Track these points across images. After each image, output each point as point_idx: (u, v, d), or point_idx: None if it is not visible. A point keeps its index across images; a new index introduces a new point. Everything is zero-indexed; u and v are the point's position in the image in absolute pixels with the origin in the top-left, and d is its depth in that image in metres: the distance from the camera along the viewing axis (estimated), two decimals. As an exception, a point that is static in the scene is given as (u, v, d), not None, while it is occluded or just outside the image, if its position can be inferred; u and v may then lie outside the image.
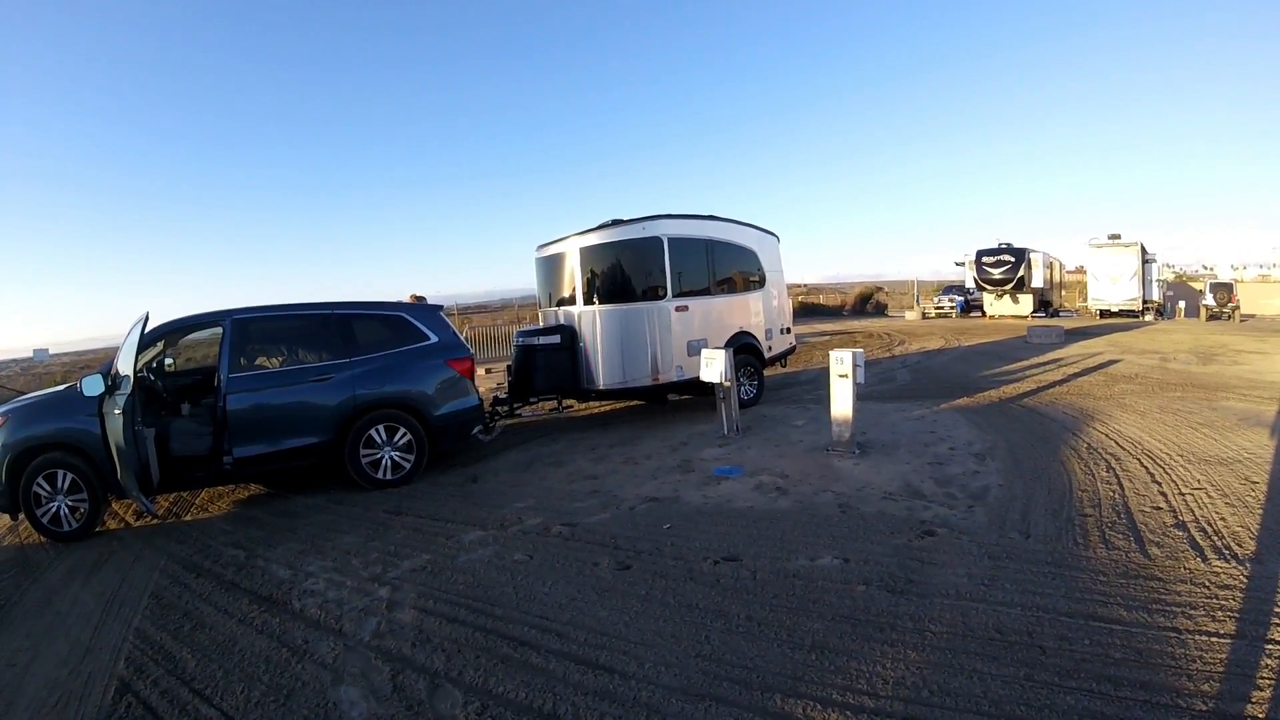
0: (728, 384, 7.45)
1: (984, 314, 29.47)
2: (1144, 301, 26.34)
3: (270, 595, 4.37)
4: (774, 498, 5.51)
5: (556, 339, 8.36)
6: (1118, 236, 27.13)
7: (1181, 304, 29.21)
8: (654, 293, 8.33)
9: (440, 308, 7.53)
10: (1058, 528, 4.62)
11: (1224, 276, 33.25)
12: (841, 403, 6.60)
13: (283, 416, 6.34)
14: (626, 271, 8.42)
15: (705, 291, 8.95)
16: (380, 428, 6.58)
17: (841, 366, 6.52)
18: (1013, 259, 27.15)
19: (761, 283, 10.05)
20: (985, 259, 27.88)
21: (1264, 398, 8.67)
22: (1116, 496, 5.19)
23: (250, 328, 6.53)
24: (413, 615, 3.94)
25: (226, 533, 5.67)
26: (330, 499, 6.38)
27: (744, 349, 9.31)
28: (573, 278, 8.54)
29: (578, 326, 8.41)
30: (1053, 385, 10.16)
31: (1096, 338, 17.19)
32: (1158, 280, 28.44)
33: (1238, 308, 26.29)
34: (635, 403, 10.00)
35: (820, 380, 12.08)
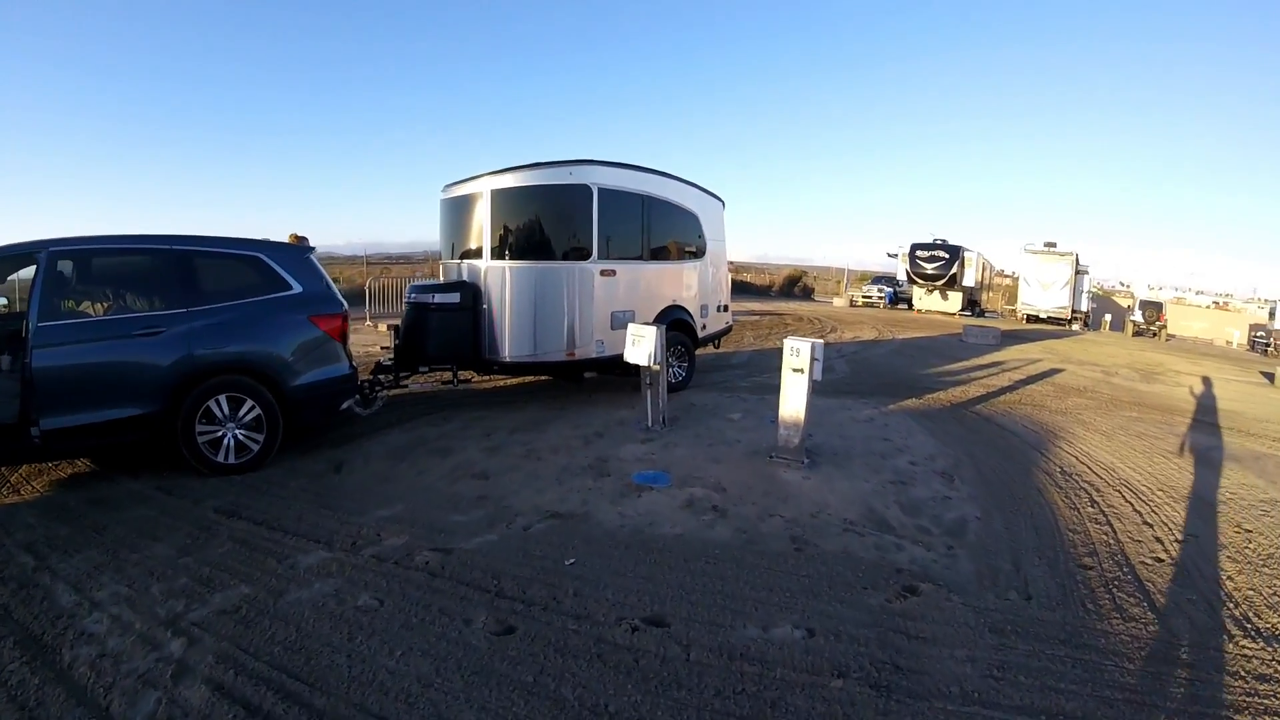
0: (657, 368, 6.26)
1: (911, 307, 29.51)
2: (1073, 311, 26.73)
3: (40, 635, 3.04)
4: (710, 521, 4.38)
5: (455, 298, 6.91)
6: (1054, 245, 27.38)
7: (1108, 317, 29.81)
8: (577, 252, 7.00)
9: (310, 249, 5.97)
10: (1060, 585, 3.72)
11: (1140, 294, 34.41)
12: (793, 402, 5.53)
13: (101, 379, 4.82)
14: (546, 223, 7.03)
15: (637, 256, 7.68)
16: (222, 398, 5.10)
17: (797, 359, 5.44)
18: (947, 255, 27.09)
19: (700, 252, 8.86)
20: (919, 253, 27.68)
21: (1222, 426, 8.26)
22: (1111, 542, 4.36)
23: (70, 263, 5.00)
24: (203, 694, 2.61)
25: (28, 526, 4.20)
26: (161, 485, 4.88)
27: (676, 325, 8.13)
28: (481, 226, 7.08)
29: (483, 285, 6.97)
30: (1003, 392, 9.54)
31: (1031, 343, 17.11)
32: (1088, 292, 28.82)
33: (1165, 327, 27.16)
34: (545, 379, 8.70)
35: (755, 364, 11.14)
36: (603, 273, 7.15)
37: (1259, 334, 26.49)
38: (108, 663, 2.81)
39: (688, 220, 8.61)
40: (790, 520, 4.43)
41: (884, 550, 4.06)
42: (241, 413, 5.17)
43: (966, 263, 27.42)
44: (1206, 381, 12.63)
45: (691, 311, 8.50)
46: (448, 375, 7.12)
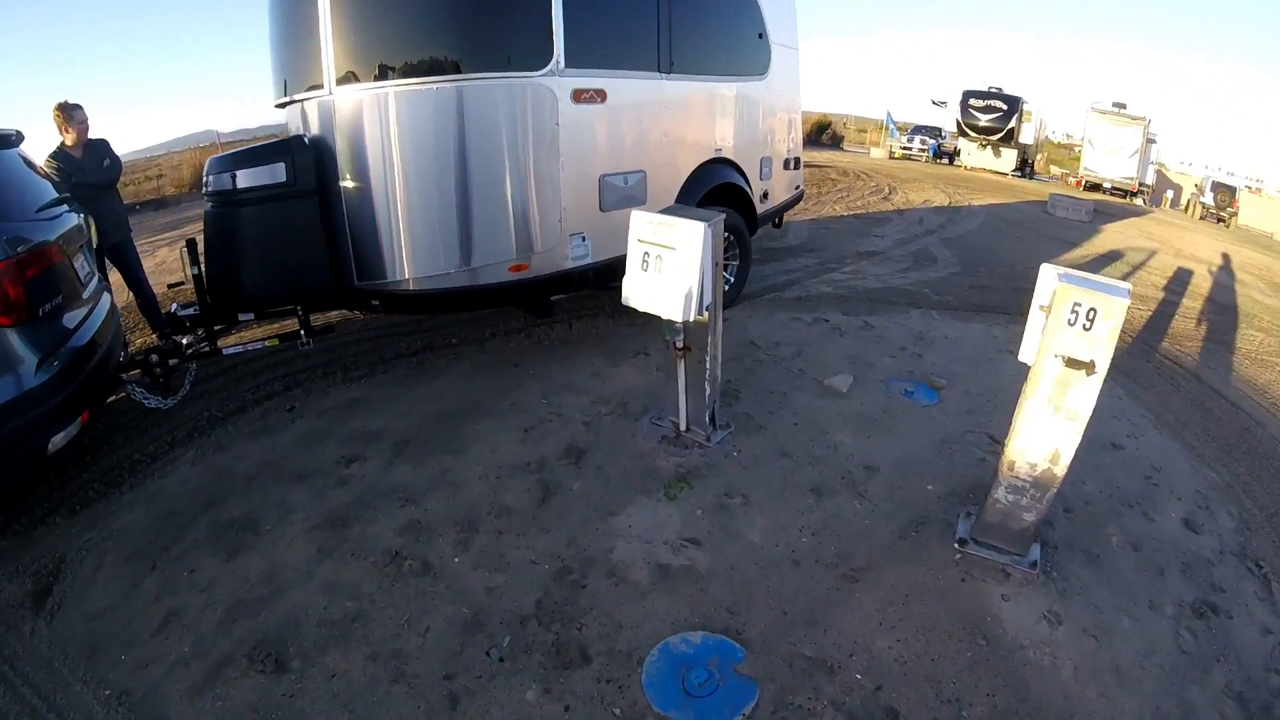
0: (703, 318, 2.83)
1: (952, 161, 25.56)
2: (1139, 184, 23.07)
3: None
4: None
5: (278, 172, 3.38)
6: (1124, 106, 23.10)
7: (1170, 193, 26.16)
8: (522, 54, 3.35)
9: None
10: None
11: (1173, 169, 30.15)
12: (1047, 438, 2.19)
13: None
14: (453, -4, 3.36)
15: (647, 65, 3.99)
16: None
17: (1083, 339, 2.01)
18: (1005, 107, 23.02)
19: (763, 66, 5.08)
20: (973, 102, 23.49)
21: None
22: None
23: None
24: None
25: None
26: None
27: (724, 196, 4.62)
28: (320, 20, 3.38)
29: (334, 140, 3.43)
30: (1165, 314, 6.11)
31: (1119, 221, 13.30)
32: (1154, 163, 25.01)
33: (1235, 215, 23.31)
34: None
35: (821, 244, 7.63)
36: (579, 96, 3.54)
37: None
38: None
39: (741, 2, 4.77)
40: None
41: None
42: None
43: (1026, 117, 23.40)
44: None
45: (747, 171, 4.89)
46: (294, 323, 3.77)
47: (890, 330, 4.71)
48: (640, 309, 2.80)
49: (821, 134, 34.56)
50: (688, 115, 4.40)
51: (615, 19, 3.78)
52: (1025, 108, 23.66)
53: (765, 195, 5.25)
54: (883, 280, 6.06)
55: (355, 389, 3.79)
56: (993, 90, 24.02)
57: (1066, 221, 11.95)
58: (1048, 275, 2.19)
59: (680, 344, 2.89)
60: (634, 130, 3.99)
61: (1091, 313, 1.98)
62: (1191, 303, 6.75)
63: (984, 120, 23.52)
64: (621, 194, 3.90)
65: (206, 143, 19.11)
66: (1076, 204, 12.88)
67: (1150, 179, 24.66)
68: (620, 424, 3.30)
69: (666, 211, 2.79)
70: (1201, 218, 23.49)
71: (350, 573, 2.40)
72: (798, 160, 5.85)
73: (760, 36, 5.02)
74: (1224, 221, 23.40)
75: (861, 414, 3.46)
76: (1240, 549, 2.77)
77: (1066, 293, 2.00)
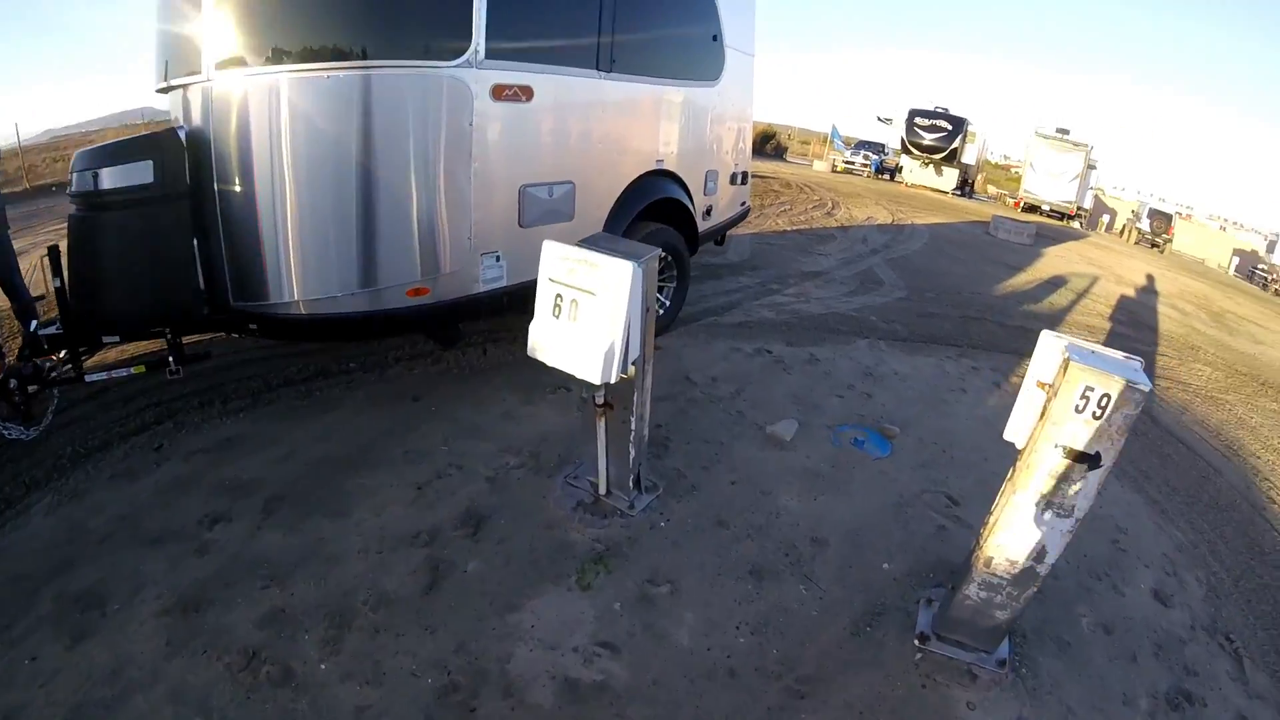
0: (628, 376, 2.42)
1: (893, 178, 26.21)
2: (1078, 208, 24.13)
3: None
4: None
5: (145, 173, 2.80)
6: (1066, 132, 24.03)
7: (1106, 218, 27.66)
8: (434, 41, 2.85)
9: None
10: None
11: (1107, 193, 31.77)
12: (1031, 538, 1.88)
13: None
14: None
15: (583, 59, 3.55)
16: None
17: (1084, 429, 1.70)
18: (950, 127, 23.70)
19: (714, 70, 4.71)
20: (919, 120, 24.14)
21: None
22: None
23: None
24: None
25: None
26: None
27: (661, 210, 4.24)
28: None
29: (214, 135, 2.87)
30: (1113, 345, 6.09)
31: (1059, 245, 13.77)
32: (1093, 188, 26.22)
33: (1170, 241, 24.37)
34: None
35: (765, 260, 7.38)
36: (499, 92, 3.07)
37: (1260, 266, 24.31)
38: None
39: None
40: None
41: None
42: None
43: (970, 138, 24.13)
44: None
45: (690, 185, 4.51)
46: (163, 346, 3.19)
47: (837, 364, 4.42)
48: (549, 364, 2.36)
49: (765, 144, 34.91)
50: (628, 121, 3.98)
51: (549, 7, 3.33)
52: (970, 129, 24.26)
53: (709, 211, 4.88)
54: (828, 305, 5.80)
55: (233, 424, 3.23)
56: (939, 110, 24.59)
57: (1009, 244, 12.27)
58: (1049, 346, 1.89)
59: (601, 400, 2.47)
60: (564, 135, 3.54)
61: (1105, 399, 1.67)
62: (1137, 334, 6.80)
63: (928, 139, 24.16)
64: (546, 208, 3.46)
65: (139, 121, 17.32)
66: (1019, 227, 13.22)
67: (1089, 204, 25.72)
68: (530, 481, 2.86)
69: (587, 244, 2.36)
70: (1137, 243, 24.75)
71: (200, 676, 1.91)
72: (745, 175, 5.50)
73: (715, 39, 4.64)
74: (1159, 247, 24.58)
75: (808, 469, 3.12)
76: (1211, 621, 2.62)
77: (1078, 375, 1.67)
